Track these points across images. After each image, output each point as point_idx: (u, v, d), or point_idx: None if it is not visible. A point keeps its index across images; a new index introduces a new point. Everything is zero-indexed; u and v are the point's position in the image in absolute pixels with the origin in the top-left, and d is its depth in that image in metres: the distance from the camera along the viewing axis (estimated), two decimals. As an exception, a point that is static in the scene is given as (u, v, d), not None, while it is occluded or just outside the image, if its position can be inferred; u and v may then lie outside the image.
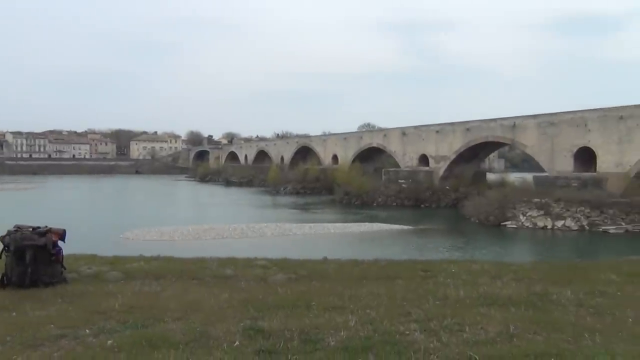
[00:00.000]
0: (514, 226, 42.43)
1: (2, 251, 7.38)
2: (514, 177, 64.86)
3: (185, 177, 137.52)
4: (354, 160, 77.01)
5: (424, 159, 65.21)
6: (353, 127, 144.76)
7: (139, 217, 46.67)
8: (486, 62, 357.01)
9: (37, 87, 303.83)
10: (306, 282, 8.07)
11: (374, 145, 76.04)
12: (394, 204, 60.02)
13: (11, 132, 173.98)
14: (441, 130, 63.26)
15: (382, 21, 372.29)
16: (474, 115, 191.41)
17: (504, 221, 43.46)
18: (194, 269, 8.98)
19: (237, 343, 4.83)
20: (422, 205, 58.40)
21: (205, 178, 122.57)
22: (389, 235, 38.36)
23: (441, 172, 62.00)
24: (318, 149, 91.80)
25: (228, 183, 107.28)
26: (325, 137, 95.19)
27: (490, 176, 69.09)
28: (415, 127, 68.32)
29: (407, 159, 67.69)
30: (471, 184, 58.45)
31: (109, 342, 4.94)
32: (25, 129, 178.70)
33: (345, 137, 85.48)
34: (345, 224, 43.10)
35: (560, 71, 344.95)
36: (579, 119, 47.48)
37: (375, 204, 60.45)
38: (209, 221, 44.13)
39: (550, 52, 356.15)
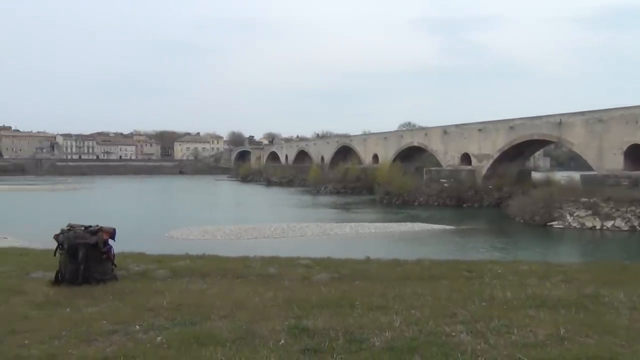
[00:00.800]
0: (561, 226, 41.27)
1: (56, 249, 7.67)
2: (560, 175, 63.10)
3: (227, 177, 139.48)
4: (394, 160, 76.46)
5: (466, 158, 64.19)
6: (393, 126, 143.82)
7: (183, 217, 47.61)
8: (529, 58, 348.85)
9: (85, 91, 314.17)
10: (349, 281, 8.07)
11: (415, 144, 75.33)
12: (436, 203, 59.30)
13: (61, 135, 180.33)
14: (484, 128, 62.12)
15: (421, 18, 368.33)
16: (517, 112, 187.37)
17: (550, 221, 42.33)
18: (238, 267, 9.11)
19: (282, 341, 4.89)
20: (464, 205, 57.50)
21: (247, 178, 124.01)
22: (430, 235, 37.93)
23: (484, 171, 60.89)
24: (358, 148, 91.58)
25: (269, 183, 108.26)
26: (365, 137, 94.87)
27: (536, 175, 67.35)
28: (457, 126, 67.32)
29: (448, 157, 66.78)
30: (515, 183, 57.11)
31: (159, 338, 5.07)
32: (74, 131, 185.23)
33: (385, 136, 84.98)
34: (386, 224, 42.84)
35: (607, 66, 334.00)
36: (629, 115, 45.76)
37: (416, 204, 59.88)
38: (250, 221, 44.62)
39: (597, 47, 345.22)
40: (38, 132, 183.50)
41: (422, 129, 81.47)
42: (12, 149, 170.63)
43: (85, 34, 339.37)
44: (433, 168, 67.32)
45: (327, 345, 4.73)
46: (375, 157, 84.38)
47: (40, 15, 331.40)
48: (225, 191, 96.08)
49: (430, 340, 4.78)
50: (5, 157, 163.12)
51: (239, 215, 51.99)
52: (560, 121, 52.44)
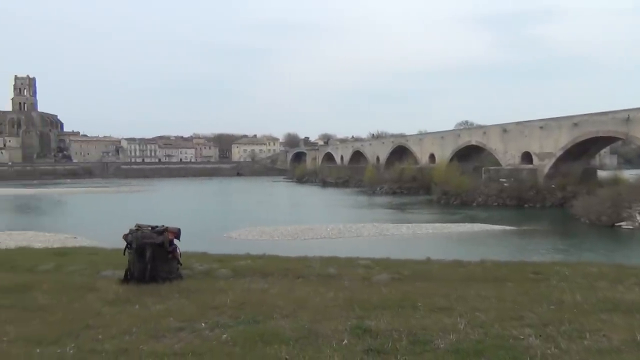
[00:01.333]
0: (630, 227, 39.27)
1: (125, 248, 7.98)
2: (628, 174, 60.09)
3: (283, 178, 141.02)
4: (451, 159, 75.07)
5: (526, 157, 62.20)
6: (450, 125, 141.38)
7: (241, 217, 48.48)
8: (591, 51, 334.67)
9: (148, 97, 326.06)
10: (410, 282, 7.98)
11: (473, 143, 73.69)
12: (495, 203, 57.73)
13: (126, 139, 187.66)
14: (545, 125, 60.00)
15: (475, 14, 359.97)
16: (581, 109, 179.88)
17: (619, 221, 40.35)
18: (298, 267, 9.18)
19: (345, 341, 4.89)
20: (526, 205, 55.70)
21: (303, 179, 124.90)
22: (490, 236, 36.98)
23: (546, 169, 58.80)
24: (414, 148, 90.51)
25: (324, 184, 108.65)
26: (421, 136, 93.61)
27: (602, 173, 64.44)
28: (517, 124, 65.34)
29: (508, 156, 64.91)
30: (580, 182, 54.81)
31: (224, 336, 5.19)
32: (137, 135, 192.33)
33: (442, 135, 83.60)
34: (444, 224, 42.10)
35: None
36: None
37: (474, 204, 58.52)
38: (306, 221, 44.91)
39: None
40: (104, 136, 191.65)
41: (480, 127, 79.64)
42: (81, 153, 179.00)
43: (147, 42, 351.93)
44: (492, 167, 65.61)
45: (390, 346, 4.71)
46: (432, 157, 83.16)
47: (105, 26, 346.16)
48: (281, 192, 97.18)
49: (497, 343, 4.66)
50: (74, 161, 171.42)
51: (296, 215, 52.43)
52: (628, 117, 49.96)
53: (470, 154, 76.07)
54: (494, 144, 68.25)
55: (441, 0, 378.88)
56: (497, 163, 66.62)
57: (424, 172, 76.51)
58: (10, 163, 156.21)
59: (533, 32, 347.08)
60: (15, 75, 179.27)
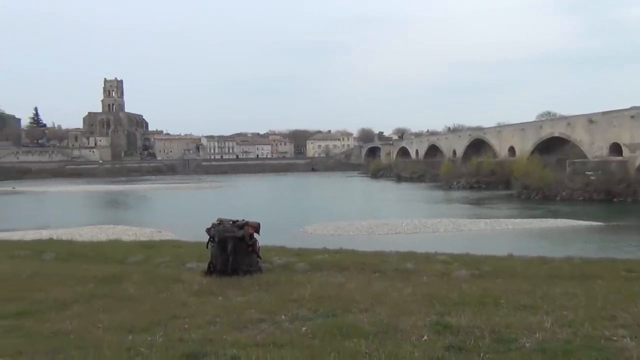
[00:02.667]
0: None
1: (208, 242, 8.29)
2: None
3: (358, 173, 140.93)
4: (532, 152, 72.06)
5: (615, 148, 58.58)
6: (530, 117, 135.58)
7: (316, 212, 48.95)
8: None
9: (225, 95, 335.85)
10: (491, 278, 7.76)
11: (556, 134, 70.31)
12: (581, 198, 54.80)
13: (205, 137, 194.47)
14: (637, 115, 56.21)
15: (558, 1, 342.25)
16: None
17: None
18: (374, 262, 9.17)
19: (425, 337, 4.83)
20: (615, 199, 52.49)
21: (377, 174, 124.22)
22: (575, 232, 35.18)
23: (638, 162, 55.12)
24: (492, 141, 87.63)
25: (399, 178, 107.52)
26: (500, 129, 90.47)
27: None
28: (604, 113, 61.66)
29: (595, 148, 61.42)
30: (677, 174, 51.07)
31: (304, 328, 5.27)
32: (216, 133, 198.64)
33: (522, 127, 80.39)
34: (525, 220, 40.49)
35: None
36: None
37: (558, 198, 55.85)
38: (381, 216, 44.66)
39: None
40: (185, 135, 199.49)
41: (563, 118, 75.90)
42: (164, 151, 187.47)
43: (224, 41, 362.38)
44: (577, 160, 62.33)
45: (473, 343, 4.59)
46: (511, 150, 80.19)
47: (185, 28, 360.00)
48: (355, 187, 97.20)
49: (588, 344, 4.43)
50: (158, 158, 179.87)
51: (370, 211, 52.24)
52: None
53: (552, 146, 72.69)
54: (579, 135, 64.82)
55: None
56: (583, 155, 63.23)
57: (503, 166, 73.97)
58: (100, 161, 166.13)
59: (618, 16, 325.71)
60: (105, 79, 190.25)
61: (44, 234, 27.41)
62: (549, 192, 57.65)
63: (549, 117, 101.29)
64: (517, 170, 65.22)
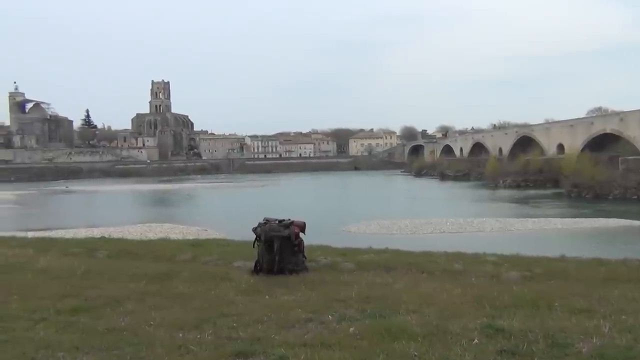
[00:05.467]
0: None
1: (255, 241, 8.37)
2: None
3: (401, 172, 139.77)
4: (582, 149, 69.76)
5: (673, 144, 56.11)
6: (580, 113, 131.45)
7: (359, 211, 48.75)
8: None
9: (269, 95, 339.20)
10: (543, 280, 7.53)
11: (608, 131, 67.80)
12: (635, 196, 52.75)
13: (249, 136, 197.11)
14: (696, 109, 53.68)
15: None
16: None
17: None
18: (421, 262, 9.05)
19: (475, 340, 4.72)
20: (673, 198, 50.32)
21: (421, 172, 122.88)
22: (630, 232, 33.84)
23: (697, 158, 52.66)
24: (540, 138, 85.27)
25: (443, 177, 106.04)
26: (548, 125, 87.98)
27: None
28: (661, 108, 59.13)
29: (650, 145, 58.96)
30: None
31: (351, 329, 5.24)
32: (260, 132, 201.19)
33: (571, 124, 77.92)
34: (575, 219, 39.23)
35: None
36: None
37: (610, 197, 53.94)
38: (425, 215, 44.12)
39: None
40: (230, 134, 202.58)
41: (616, 114, 73.18)
42: (209, 151, 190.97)
43: (266, 42, 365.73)
44: (631, 157, 59.92)
45: (526, 348, 4.47)
46: (560, 147, 77.83)
47: (229, 30, 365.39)
48: (399, 186, 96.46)
49: (650, 350, 4.24)
50: (203, 157, 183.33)
51: (414, 209, 51.71)
52: None
53: (604, 143, 70.15)
54: (633, 132, 62.31)
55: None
56: (636, 152, 60.73)
57: (552, 164, 71.95)
58: (148, 161, 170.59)
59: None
60: (152, 81, 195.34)
61: (96, 232, 28.31)
62: (600, 190, 55.76)
63: (601, 113, 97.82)
64: (567, 168, 63.34)
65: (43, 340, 5.12)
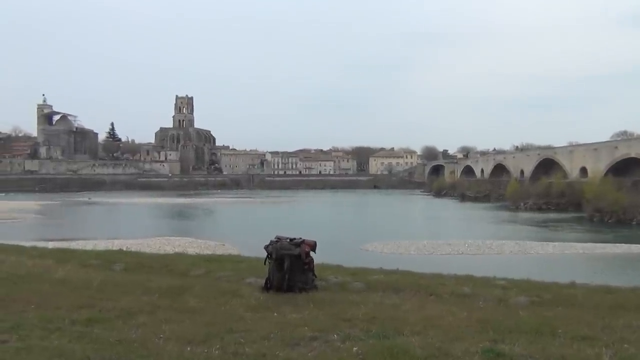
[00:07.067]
0: None
1: (266, 258, 8.52)
2: None
3: (421, 191, 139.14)
4: (606, 173, 68.77)
5: (699, 171, 55.04)
6: (604, 136, 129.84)
7: (377, 230, 48.74)
8: None
9: (290, 112, 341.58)
10: (551, 307, 7.52)
11: (633, 155, 66.83)
12: (659, 223, 51.78)
13: (270, 152, 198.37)
14: None
15: (623, 14, 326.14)
16: None
17: None
18: (431, 284, 9.09)
19: (476, 364, 4.79)
20: (699, 225, 49.24)
21: (440, 192, 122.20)
22: (652, 259, 33.20)
23: None
24: (563, 161, 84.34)
25: (463, 198, 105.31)
26: (571, 148, 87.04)
27: None
28: (687, 133, 58.12)
29: (676, 170, 57.91)
30: None
31: (355, 348, 5.33)
32: (280, 148, 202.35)
33: (595, 147, 76.99)
34: (597, 244, 38.63)
35: None
36: None
37: (634, 222, 52.98)
38: (443, 236, 43.89)
39: None
40: (251, 150, 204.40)
41: (641, 138, 72.12)
42: (230, 166, 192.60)
43: (289, 60, 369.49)
44: (656, 182, 58.97)
45: (525, 373, 4.52)
46: (583, 171, 76.84)
47: (251, 47, 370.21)
48: (418, 206, 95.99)
49: (648, 380, 4.26)
50: (224, 172, 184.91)
51: (433, 230, 51.44)
52: None
53: (628, 168, 69.05)
54: (658, 157, 61.32)
55: (590, 2, 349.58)
56: (663, 177, 59.76)
57: (574, 187, 70.99)
58: (170, 175, 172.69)
59: None
60: (176, 95, 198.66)
61: (115, 244, 28.77)
62: (623, 215, 54.84)
63: (625, 137, 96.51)
64: (590, 191, 62.45)
65: (57, 349, 5.32)
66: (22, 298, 7.68)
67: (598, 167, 72.36)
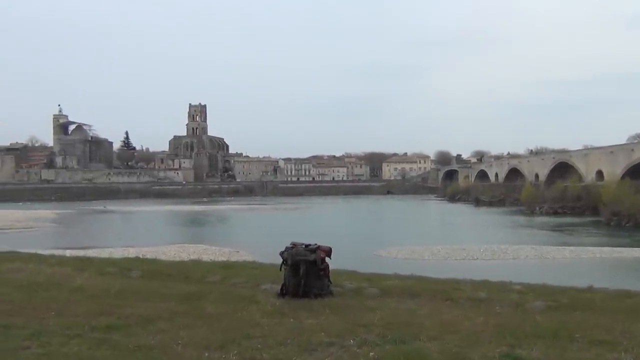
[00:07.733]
0: None
1: (282, 264, 8.56)
2: None
3: (434, 196, 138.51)
4: (622, 177, 68.00)
5: None
6: (621, 139, 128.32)
7: (391, 236, 48.58)
8: None
9: (303, 118, 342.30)
10: (568, 311, 7.47)
11: (649, 158, 66.12)
12: (679, 226, 51.07)
13: (283, 159, 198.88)
14: None
15: (636, 16, 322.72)
16: None
17: None
18: (447, 289, 9.07)
19: (493, 369, 4.78)
20: None
21: (454, 197, 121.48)
22: (672, 263, 32.73)
23: None
24: (578, 164, 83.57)
25: (477, 202, 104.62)
26: (587, 152, 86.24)
27: None
28: None
29: (694, 173, 57.10)
30: None
31: (371, 354, 5.35)
32: (293, 155, 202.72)
33: (611, 150, 76.22)
34: (614, 249, 38.18)
35: None
36: None
37: (652, 226, 52.31)
38: (458, 241, 43.63)
39: None
40: (264, 157, 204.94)
41: (658, 140, 71.26)
42: (243, 173, 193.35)
43: (302, 65, 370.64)
44: (674, 185, 58.18)
45: (543, 377, 4.50)
46: (599, 174, 76.05)
47: (263, 56, 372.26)
48: (432, 211, 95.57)
49: (668, 384, 4.23)
50: (238, 179, 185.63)
51: (447, 235, 51.16)
52: None
53: (646, 171, 68.31)
54: (676, 159, 60.53)
55: (604, 3, 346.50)
56: (681, 180, 58.95)
57: (591, 191, 70.27)
58: (184, 182, 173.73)
59: None
60: (190, 104, 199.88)
61: (132, 252, 29.00)
62: (641, 219, 54.14)
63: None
64: (606, 195, 61.78)
65: (77, 355, 5.41)
66: (42, 305, 7.81)
67: (614, 170, 71.59)
